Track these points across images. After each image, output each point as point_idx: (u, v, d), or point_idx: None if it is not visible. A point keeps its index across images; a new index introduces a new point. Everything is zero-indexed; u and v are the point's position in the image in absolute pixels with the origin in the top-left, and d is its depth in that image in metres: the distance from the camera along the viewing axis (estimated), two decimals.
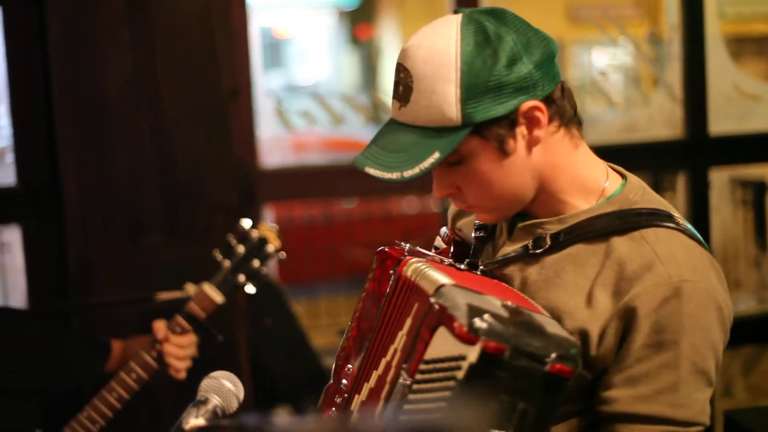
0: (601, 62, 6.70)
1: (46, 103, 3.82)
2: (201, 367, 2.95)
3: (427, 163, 1.76)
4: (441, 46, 1.78)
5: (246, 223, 2.98)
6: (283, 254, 2.98)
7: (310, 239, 6.76)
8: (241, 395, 1.77)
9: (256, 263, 2.95)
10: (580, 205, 1.90)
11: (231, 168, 3.79)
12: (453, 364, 1.62)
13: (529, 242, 1.90)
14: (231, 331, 3.69)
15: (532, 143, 1.82)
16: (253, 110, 4.04)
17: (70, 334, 3.30)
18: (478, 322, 1.61)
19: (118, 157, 3.70)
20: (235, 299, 3.65)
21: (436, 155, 1.76)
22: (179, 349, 2.89)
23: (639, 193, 1.91)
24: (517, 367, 1.62)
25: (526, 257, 1.90)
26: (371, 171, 1.80)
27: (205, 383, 1.75)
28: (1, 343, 3.05)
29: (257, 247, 2.95)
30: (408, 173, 1.77)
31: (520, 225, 1.93)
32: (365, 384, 1.89)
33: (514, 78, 1.76)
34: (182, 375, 2.91)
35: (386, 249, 1.94)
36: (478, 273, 1.95)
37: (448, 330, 1.63)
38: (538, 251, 1.88)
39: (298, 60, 14.79)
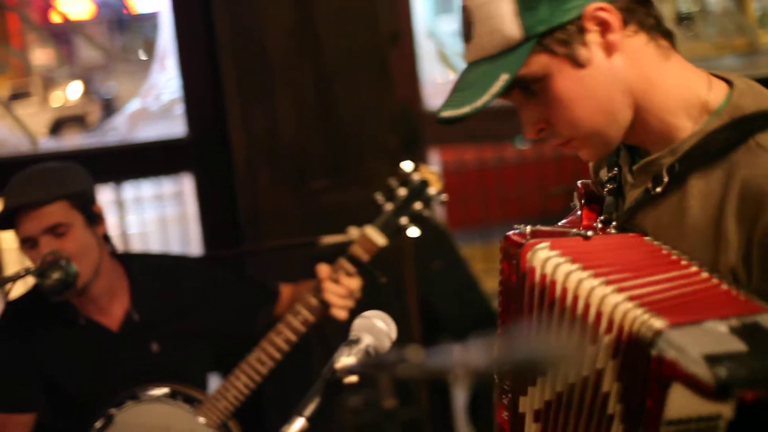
0: None
1: (211, 55, 3.90)
2: (369, 309, 2.98)
3: (497, 87, 1.63)
4: None
5: (407, 165, 2.98)
6: (444, 196, 2.97)
7: (482, 182, 6.72)
8: (394, 334, 1.77)
9: (418, 206, 2.95)
10: (688, 126, 1.71)
11: (393, 112, 3.79)
12: (706, 425, 1.42)
13: (649, 183, 1.73)
14: (398, 274, 3.72)
15: (609, 49, 1.65)
16: (416, 54, 4.04)
17: (241, 280, 3.39)
18: (722, 372, 1.38)
19: (282, 105, 3.75)
20: (400, 242, 3.67)
21: (505, 76, 1.63)
22: (342, 290, 2.92)
23: (749, 96, 1.70)
24: None
25: (651, 200, 1.73)
26: (445, 114, 1.68)
27: (358, 323, 1.76)
28: (177, 289, 3.17)
29: (419, 190, 2.94)
30: (479, 102, 1.63)
31: (635, 167, 1.76)
32: (530, 388, 1.75)
33: None
34: (344, 315, 2.94)
35: (509, 236, 1.76)
36: (613, 230, 1.77)
37: (690, 388, 1.42)
38: (658, 190, 1.71)
39: None
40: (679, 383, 1.43)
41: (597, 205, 1.86)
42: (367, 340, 1.73)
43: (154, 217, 7.74)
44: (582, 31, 1.64)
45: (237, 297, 3.24)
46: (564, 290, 1.63)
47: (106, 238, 3.10)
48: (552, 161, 6.67)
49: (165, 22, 4.16)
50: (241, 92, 3.74)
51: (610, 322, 1.55)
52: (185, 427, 3.00)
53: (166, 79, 4.41)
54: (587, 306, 1.59)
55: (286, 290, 3.26)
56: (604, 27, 1.64)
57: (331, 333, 3.16)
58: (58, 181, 2.95)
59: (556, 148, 1.83)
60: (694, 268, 1.64)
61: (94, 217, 3.01)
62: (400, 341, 1.83)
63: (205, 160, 4.08)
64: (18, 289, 2.96)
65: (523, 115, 1.74)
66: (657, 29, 1.71)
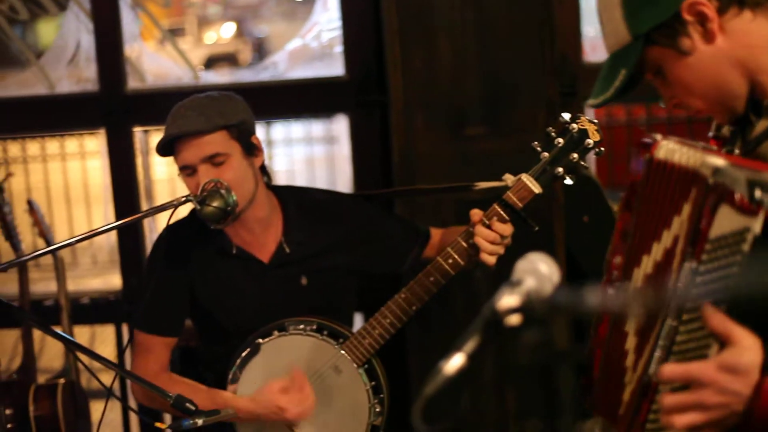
0: None
1: None
2: (517, 256, 2.97)
3: (618, 82, 1.95)
4: None
5: (566, 115, 2.94)
6: (601, 149, 2.93)
7: (630, 141, 6.62)
8: (556, 279, 1.75)
9: (574, 156, 2.91)
10: None
11: (553, 63, 3.75)
12: (738, 238, 1.68)
13: None
14: (548, 224, 3.70)
15: (709, 37, 1.88)
16: (579, 6, 4.00)
17: (395, 220, 3.40)
18: (759, 193, 1.65)
19: (442, 50, 3.74)
20: (552, 192, 3.65)
21: (623, 72, 1.94)
22: (493, 235, 2.90)
23: None
24: None
25: None
26: (589, 102, 2.04)
27: (521, 265, 1.75)
28: (330, 224, 3.19)
29: (576, 140, 2.90)
30: (608, 94, 1.97)
31: (766, 103, 1.94)
32: (635, 269, 1.95)
33: None
34: (492, 261, 2.92)
35: (641, 141, 2.02)
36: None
37: (730, 205, 1.69)
38: None
39: None
40: (724, 204, 1.70)
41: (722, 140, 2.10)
42: (529, 283, 1.71)
43: (302, 157, 7.87)
44: (682, 24, 1.88)
45: (389, 237, 3.26)
46: (678, 165, 1.88)
47: (263, 170, 3.15)
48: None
49: None
50: (402, 35, 3.74)
51: (689, 172, 1.83)
52: (329, 361, 3.04)
53: (327, 19, 4.44)
54: (680, 167, 1.86)
55: (436, 234, 3.27)
56: (702, 18, 1.87)
57: (476, 278, 3.18)
58: (219, 111, 2.99)
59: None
60: None
61: (251, 148, 3.06)
62: None
63: (361, 102, 4.11)
64: (177, 216, 3.03)
65: (660, 93, 2.03)
66: (763, 1, 1.90)
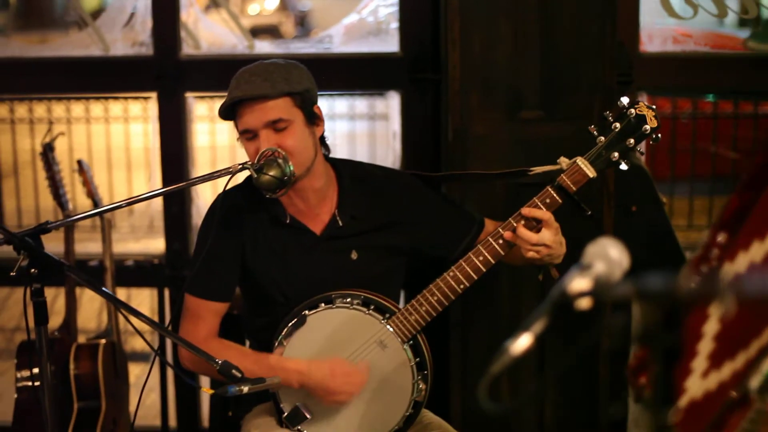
0: None
1: None
2: (567, 242, 2.98)
3: None
4: None
5: (624, 100, 2.93)
6: (659, 135, 2.92)
7: (674, 134, 6.56)
8: (626, 264, 1.75)
9: (630, 141, 2.90)
10: None
11: (612, 51, 3.72)
12: None
13: None
14: (598, 212, 3.69)
15: None
16: None
17: (451, 205, 3.37)
18: None
19: (503, 31, 3.72)
20: (604, 180, 3.63)
21: None
22: (534, 238, 2.92)
23: None
24: None
25: None
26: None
27: (591, 249, 1.74)
28: (386, 201, 3.18)
29: (634, 125, 2.90)
30: None
31: None
32: (741, 252, 1.88)
33: None
34: (530, 256, 2.96)
35: None
36: None
37: None
38: None
39: None
40: None
41: None
42: (599, 268, 1.71)
43: (344, 132, 7.87)
44: None
45: (444, 221, 3.25)
46: None
47: (322, 141, 3.14)
48: (749, 118, 6.48)
49: None
50: (462, 14, 3.72)
51: None
52: (374, 336, 3.04)
53: None
54: None
55: (490, 224, 3.24)
56: None
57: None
58: (284, 78, 2.99)
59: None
60: None
61: (313, 117, 3.06)
62: None
63: (415, 79, 4.10)
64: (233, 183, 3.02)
65: None
66: None
